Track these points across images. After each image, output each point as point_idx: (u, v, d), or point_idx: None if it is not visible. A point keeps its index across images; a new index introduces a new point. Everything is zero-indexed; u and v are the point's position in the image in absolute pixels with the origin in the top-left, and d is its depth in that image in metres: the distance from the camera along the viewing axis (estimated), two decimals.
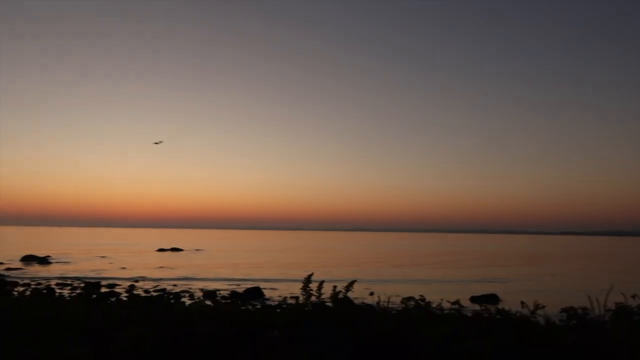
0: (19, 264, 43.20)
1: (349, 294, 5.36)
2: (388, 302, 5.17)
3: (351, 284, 5.23)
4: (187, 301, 21.67)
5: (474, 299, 23.52)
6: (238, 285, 29.99)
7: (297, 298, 5.05)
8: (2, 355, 2.91)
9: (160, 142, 17.89)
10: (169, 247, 71.76)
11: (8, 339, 3.30)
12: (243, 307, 4.37)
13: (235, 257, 58.67)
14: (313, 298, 4.84)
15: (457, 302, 5.05)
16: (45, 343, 3.27)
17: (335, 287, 5.08)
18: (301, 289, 4.80)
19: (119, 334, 3.16)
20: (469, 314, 4.59)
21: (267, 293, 26.05)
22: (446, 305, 5.02)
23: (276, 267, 44.25)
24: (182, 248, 72.35)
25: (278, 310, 4.42)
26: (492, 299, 24.00)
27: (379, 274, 37.32)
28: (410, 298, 4.89)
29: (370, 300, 6.55)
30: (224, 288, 28.54)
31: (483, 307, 4.88)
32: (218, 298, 23.89)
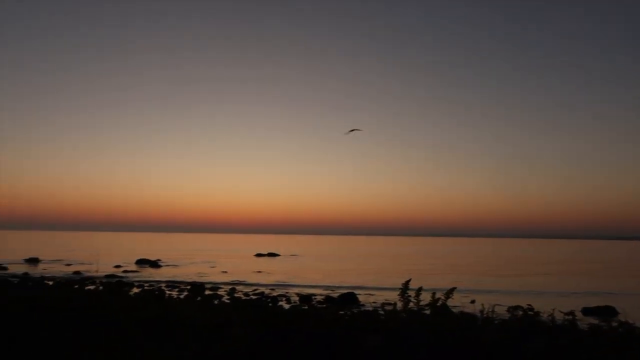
0: (134, 267, 47.11)
1: (448, 302, 5.16)
2: (492, 311, 4.90)
3: (451, 291, 5.03)
4: (284, 305, 22.31)
5: (586, 311, 21.69)
6: (332, 290, 30.25)
7: (393, 304, 4.95)
8: (124, 348, 3.15)
9: (356, 130, 17.23)
10: (266, 253, 74.31)
11: (127, 334, 3.57)
12: (341, 312, 4.36)
13: (328, 263, 59.33)
14: (411, 304, 4.72)
15: (571, 313, 4.64)
16: (158, 339, 3.50)
17: (434, 294, 4.92)
18: (399, 295, 4.69)
19: (225, 333, 3.30)
20: (585, 327, 4.20)
21: (362, 299, 25.98)
22: (558, 315, 4.63)
23: (370, 274, 44.04)
24: (279, 253, 74.58)
25: (377, 315, 4.36)
26: (609, 311, 21.92)
27: (479, 283, 35.58)
28: (516, 307, 4.58)
29: (471, 309, 6.25)
30: (318, 293, 28.93)
31: (602, 320, 4.44)
32: (314, 303, 24.28)
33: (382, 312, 5.11)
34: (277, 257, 69.88)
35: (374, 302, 24.06)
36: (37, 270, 41.28)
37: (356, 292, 27.88)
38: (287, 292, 29.12)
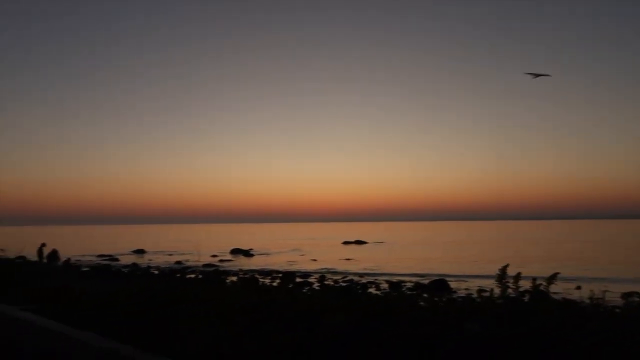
0: (229, 256, 49.58)
1: (551, 289, 4.89)
2: (601, 298, 4.56)
3: (553, 276, 4.75)
4: (374, 292, 22.37)
5: None
6: (422, 277, 29.83)
7: (488, 291, 4.78)
8: (228, 335, 3.34)
9: (543, 75, 16.22)
10: (353, 240, 74.76)
11: (230, 322, 3.77)
12: (435, 299, 4.30)
13: (416, 250, 58.52)
14: (510, 291, 4.52)
15: None
16: (256, 325, 3.67)
17: (534, 279, 4.68)
18: (496, 280, 4.52)
19: (321, 319, 3.39)
20: None
21: (453, 286, 25.39)
22: None
23: (459, 260, 42.86)
24: (366, 241, 74.73)
25: (473, 302, 4.24)
26: None
27: (585, 270, 32.44)
28: (631, 294, 4.23)
29: (576, 296, 5.88)
30: (408, 280, 28.68)
31: None
32: (404, 289, 24.11)
33: (477, 299, 4.95)
34: (365, 245, 70.10)
35: (466, 289, 23.41)
36: (144, 261, 44.75)
37: (447, 279, 27.30)
38: (376, 280, 29.16)
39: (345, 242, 73.12)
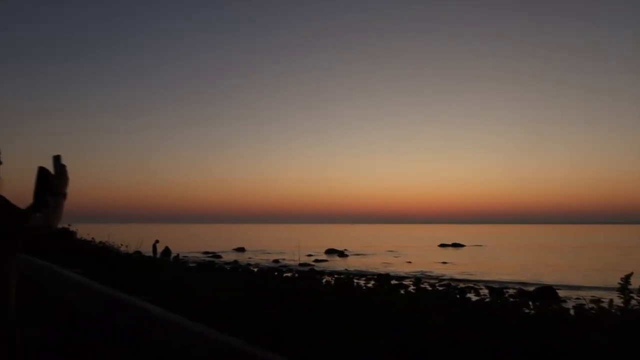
0: (324, 256, 50.37)
1: None
2: None
3: None
4: (473, 297, 21.49)
5: None
6: (525, 284, 28.17)
7: (608, 302, 4.37)
8: (336, 328, 3.38)
9: None
10: (450, 243, 72.53)
11: (331, 321, 3.82)
12: (550, 307, 4.03)
13: (517, 254, 55.33)
14: (634, 302, 4.10)
15: None
16: (358, 326, 3.68)
17: None
18: (617, 291, 4.12)
19: (421, 322, 3.32)
20: None
21: (562, 294, 23.68)
22: None
23: (566, 267, 39.83)
24: (463, 244, 72.16)
25: (587, 313, 3.91)
26: None
27: None
28: None
29: None
30: (510, 286, 27.23)
31: None
32: (506, 296, 22.91)
33: (593, 310, 4.56)
34: (462, 248, 67.70)
35: (577, 298, 21.72)
36: (244, 258, 46.90)
37: (554, 286, 25.53)
38: (475, 285, 28.04)
39: (442, 245, 71.13)
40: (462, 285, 27.67)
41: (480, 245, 71.47)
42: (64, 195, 2.38)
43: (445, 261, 45.00)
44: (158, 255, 28.60)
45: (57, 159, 2.41)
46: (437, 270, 37.28)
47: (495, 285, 27.34)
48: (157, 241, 29.58)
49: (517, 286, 27.38)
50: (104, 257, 10.51)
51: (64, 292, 6.87)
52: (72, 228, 15.45)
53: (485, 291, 25.24)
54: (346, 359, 3.02)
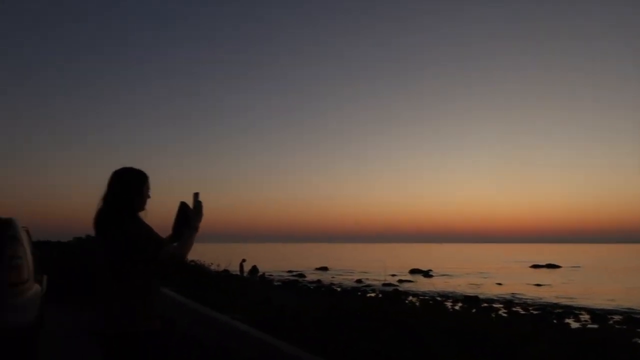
0: (408, 276, 49.27)
1: None
2: None
3: None
4: (572, 323, 19.90)
5: None
6: (631, 310, 25.64)
7: None
8: (417, 354, 3.29)
9: None
10: (544, 264, 68.04)
11: (414, 342, 3.71)
12: None
13: (618, 276, 50.60)
14: None
15: None
16: (456, 352, 3.54)
17: None
18: None
19: (522, 350, 3.12)
20: None
21: None
22: None
23: None
24: (558, 264, 67.39)
25: None
26: None
27: None
28: None
29: None
30: (612, 312, 24.92)
31: None
32: (611, 323, 20.99)
33: None
34: (557, 269, 63.21)
35: None
36: (327, 278, 47.03)
37: None
38: (573, 310, 25.97)
39: (535, 266, 66.84)
40: (559, 310, 25.74)
41: (577, 267, 66.33)
42: (197, 229, 2.66)
43: (539, 283, 42.22)
44: (245, 274, 29.54)
45: (196, 196, 2.68)
46: (531, 293, 35.04)
47: (598, 311, 25.13)
48: (244, 260, 30.60)
49: (622, 312, 25.00)
50: (195, 275, 11.04)
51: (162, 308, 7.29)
52: None
53: (586, 317, 23.31)
54: None
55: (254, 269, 38.81)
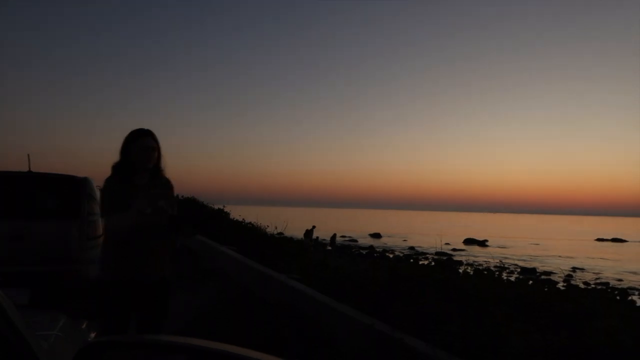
0: (462, 246, 48.54)
1: None
2: None
3: None
4: (638, 300, 19.00)
5: None
6: None
7: None
8: (482, 324, 3.25)
9: None
10: (610, 238, 64.95)
11: (482, 313, 3.66)
12: None
13: None
14: None
15: None
16: (505, 319, 3.47)
17: None
18: None
19: (590, 324, 3.01)
20: None
21: None
22: None
23: None
24: (625, 239, 64.14)
25: None
26: None
27: None
28: None
29: None
30: None
31: None
32: None
33: None
34: (624, 243, 60.21)
35: None
36: (380, 244, 47.19)
37: None
38: (638, 287, 24.75)
39: (600, 239, 63.95)
40: (622, 284, 24.64)
41: None
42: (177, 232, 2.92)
43: (603, 257, 40.48)
44: (313, 240, 30.08)
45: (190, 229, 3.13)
46: (593, 265, 33.72)
47: None
48: (313, 227, 31.11)
49: None
50: (254, 236, 11.37)
51: (223, 265, 7.62)
52: (227, 209, 16.99)
53: None
54: (499, 354, 2.87)
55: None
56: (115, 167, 2.81)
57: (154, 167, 2.86)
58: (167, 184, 2.90)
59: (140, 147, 2.78)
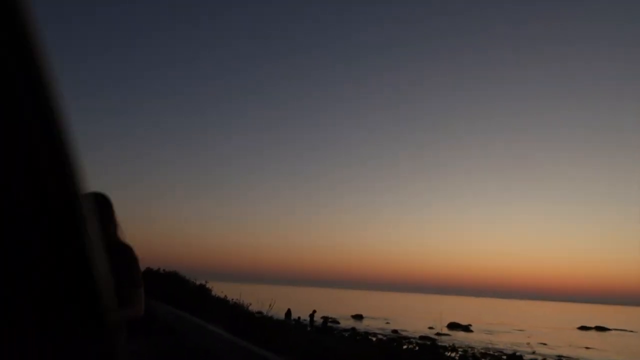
0: (445, 330, 47.45)
1: None
2: None
3: None
4: None
5: None
6: None
7: None
8: None
9: None
10: (593, 325, 64.30)
11: None
12: None
13: None
14: None
15: None
16: None
17: None
18: None
19: None
20: None
21: None
22: None
23: None
24: (608, 327, 63.53)
25: None
26: None
27: None
28: None
29: None
30: None
31: None
32: None
33: None
34: (608, 332, 59.55)
35: None
36: (362, 326, 45.89)
37: None
38: None
39: (582, 327, 63.20)
40: None
41: (628, 331, 62.30)
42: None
43: (589, 346, 39.82)
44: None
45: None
46: (581, 355, 33.07)
47: None
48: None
49: None
50: (237, 315, 11.05)
51: (209, 345, 7.31)
52: (208, 285, 16.59)
53: None
54: None
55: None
56: None
57: None
58: None
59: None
